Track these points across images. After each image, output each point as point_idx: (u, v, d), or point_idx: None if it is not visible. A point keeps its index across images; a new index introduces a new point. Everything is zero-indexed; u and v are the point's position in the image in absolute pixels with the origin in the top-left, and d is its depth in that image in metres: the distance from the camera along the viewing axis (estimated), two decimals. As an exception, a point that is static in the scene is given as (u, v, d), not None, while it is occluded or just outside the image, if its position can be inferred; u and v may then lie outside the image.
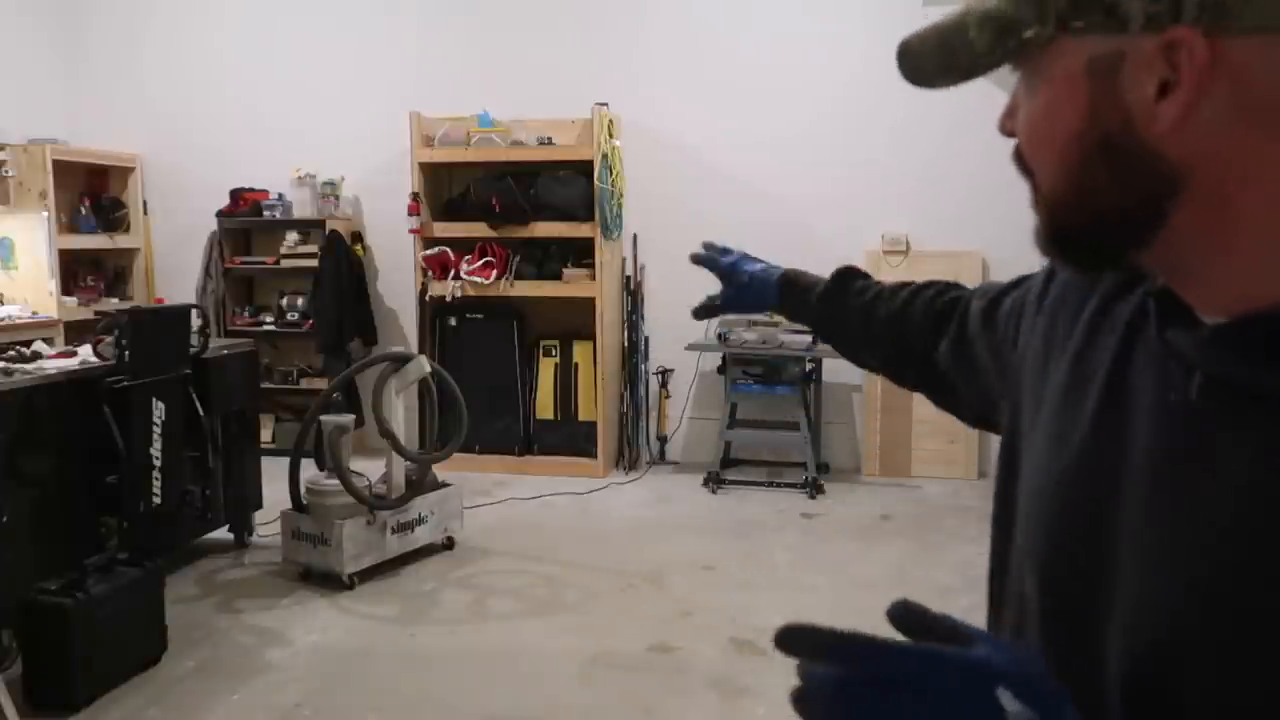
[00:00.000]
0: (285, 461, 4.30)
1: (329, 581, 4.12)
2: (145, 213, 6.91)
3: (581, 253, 5.96)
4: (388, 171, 6.32)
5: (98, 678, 3.16)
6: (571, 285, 5.95)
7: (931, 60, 0.66)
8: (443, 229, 6.08)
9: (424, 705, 3.22)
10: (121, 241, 6.78)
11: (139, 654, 3.35)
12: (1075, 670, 0.65)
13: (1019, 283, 0.91)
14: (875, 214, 5.93)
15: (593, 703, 3.24)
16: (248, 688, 3.29)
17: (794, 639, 0.54)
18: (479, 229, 5.97)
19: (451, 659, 3.53)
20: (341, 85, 6.53)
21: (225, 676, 3.37)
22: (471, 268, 5.98)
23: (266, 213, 6.53)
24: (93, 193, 6.73)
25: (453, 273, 6.00)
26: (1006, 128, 0.68)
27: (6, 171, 6.05)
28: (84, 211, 6.58)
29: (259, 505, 4.74)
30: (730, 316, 5.59)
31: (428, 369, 4.45)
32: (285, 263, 6.53)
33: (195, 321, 4.30)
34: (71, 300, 6.33)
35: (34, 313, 5.89)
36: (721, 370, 5.90)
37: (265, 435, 5.64)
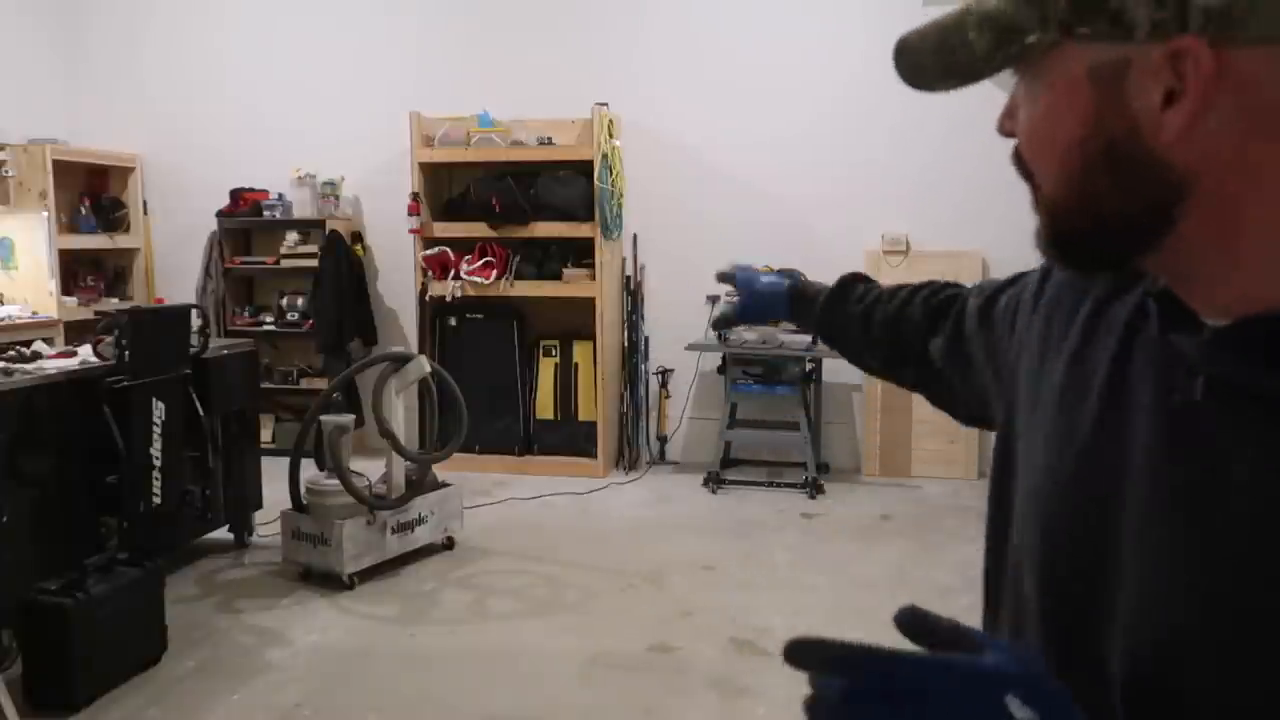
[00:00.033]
0: (285, 461, 4.30)
1: (329, 581, 4.12)
2: (145, 213, 6.92)
3: (581, 253, 5.96)
4: (388, 171, 6.32)
5: (98, 678, 3.16)
6: (571, 285, 5.95)
7: (930, 59, 0.66)
8: (443, 229, 6.08)
9: (424, 705, 3.22)
10: (121, 241, 6.78)
11: (139, 654, 3.35)
12: (1076, 670, 0.65)
13: (1015, 280, 0.91)
14: (875, 214, 5.93)
15: (593, 703, 3.24)
16: (248, 688, 3.29)
17: (802, 652, 0.54)
18: (479, 229, 5.98)
19: (451, 659, 3.53)
20: (341, 85, 6.53)
21: (225, 676, 3.37)
22: (471, 268, 5.98)
23: (266, 213, 6.53)
24: (93, 193, 6.73)
25: (453, 273, 6.00)
26: (1005, 129, 0.68)
27: (6, 171, 6.06)
28: (84, 211, 6.58)
29: (259, 505, 4.74)
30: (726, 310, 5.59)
31: (428, 369, 4.45)
32: (285, 263, 6.53)
33: (195, 321, 4.30)
34: (71, 300, 6.33)
35: (34, 313, 5.89)
36: (721, 370, 5.90)
37: (265, 435, 5.64)
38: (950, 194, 5.80)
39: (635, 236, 6.28)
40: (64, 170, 6.27)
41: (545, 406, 6.22)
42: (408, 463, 4.41)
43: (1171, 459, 0.63)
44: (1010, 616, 0.77)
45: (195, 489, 4.17)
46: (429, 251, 6.02)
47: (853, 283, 1.25)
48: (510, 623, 3.91)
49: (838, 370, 5.89)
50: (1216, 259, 0.60)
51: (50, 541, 3.57)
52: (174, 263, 6.85)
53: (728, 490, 5.69)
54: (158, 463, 3.89)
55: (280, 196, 6.54)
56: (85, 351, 4.12)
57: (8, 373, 3.65)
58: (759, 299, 1.35)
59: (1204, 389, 0.61)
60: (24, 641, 3.13)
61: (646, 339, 6.32)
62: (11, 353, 4.00)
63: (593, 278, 5.91)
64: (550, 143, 5.95)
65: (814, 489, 5.55)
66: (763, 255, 5.79)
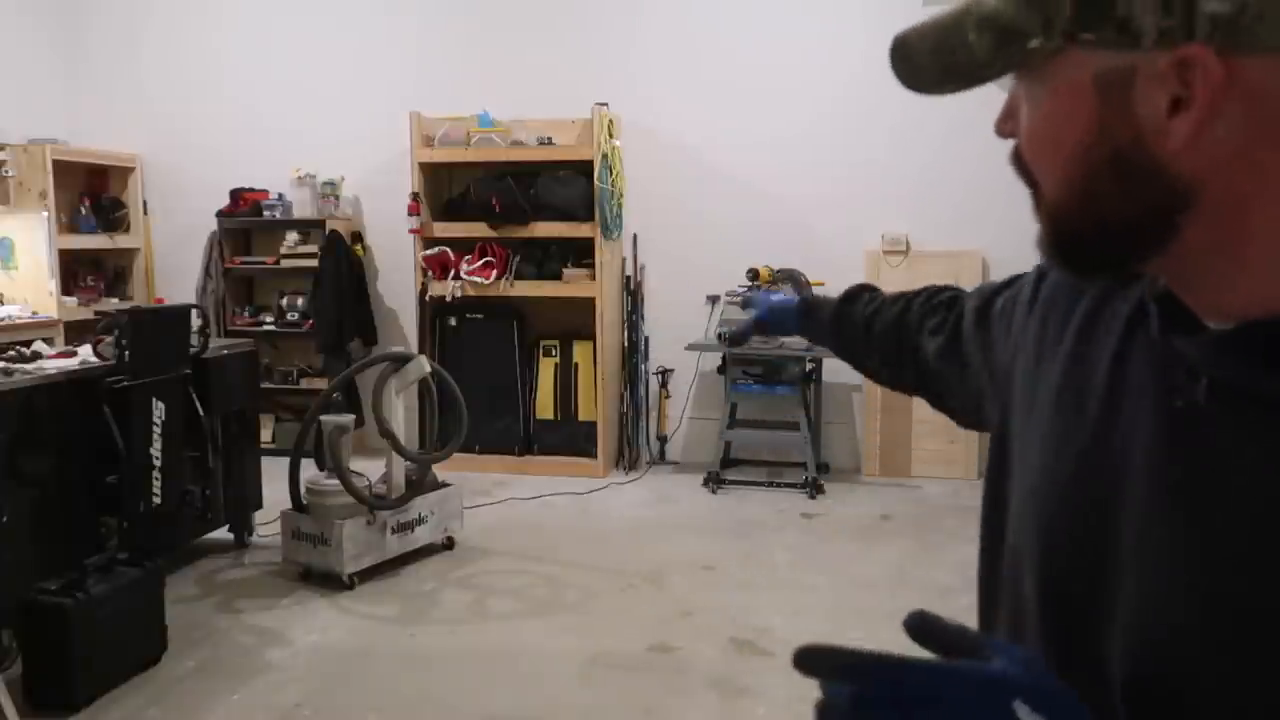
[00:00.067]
0: (285, 461, 4.30)
1: (329, 581, 4.12)
2: (145, 213, 6.92)
3: (581, 253, 5.97)
4: (388, 171, 6.32)
5: (98, 678, 3.16)
6: (571, 285, 5.95)
7: (928, 58, 0.65)
8: (443, 229, 6.08)
9: (424, 705, 3.22)
10: (121, 241, 6.78)
11: (139, 654, 3.35)
12: (1076, 670, 0.65)
13: (1011, 282, 0.91)
14: (875, 214, 5.93)
15: (593, 703, 3.24)
16: (248, 688, 3.29)
17: (812, 659, 0.54)
18: (479, 229, 5.98)
19: (451, 659, 3.53)
20: (341, 85, 6.53)
21: (225, 676, 3.37)
22: (471, 268, 5.98)
23: (266, 213, 6.53)
24: (93, 193, 6.73)
25: (453, 273, 6.00)
26: (1004, 130, 0.67)
27: (6, 171, 6.06)
28: (84, 211, 6.58)
29: (259, 505, 4.74)
30: (731, 317, 5.60)
31: (428, 369, 4.46)
32: (285, 263, 6.53)
33: (195, 321, 4.30)
34: (71, 300, 6.33)
35: (34, 313, 5.89)
36: (721, 370, 5.91)
37: (265, 435, 5.64)
38: (950, 194, 5.80)
39: (635, 236, 6.28)
40: (64, 170, 6.28)
41: (545, 406, 6.22)
42: (408, 463, 4.42)
43: (1171, 459, 0.63)
44: (1007, 616, 0.77)
45: (195, 489, 4.17)
46: (429, 251, 6.02)
47: (858, 293, 1.26)
48: (510, 623, 3.91)
49: (838, 370, 5.89)
50: (1220, 264, 0.60)
51: (50, 541, 3.57)
52: (174, 263, 6.85)
53: (728, 490, 5.69)
54: (158, 463, 3.89)
55: (280, 196, 6.54)
56: (85, 351, 4.12)
57: (8, 373, 3.65)
58: (772, 314, 1.38)
59: (1206, 392, 0.61)
60: (24, 641, 3.14)
61: (646, 339, 6.32)
62: (11, 353, 4.00)
63: (593, 278, 5.91)
64: (550, 143, 5.95)
65: (814, 489, 5.55)
66: (763, 255, 5.84)
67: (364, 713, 3.15)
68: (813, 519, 5.20)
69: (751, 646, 3.57)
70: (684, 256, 6.16)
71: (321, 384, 6.01)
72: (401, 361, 4.41)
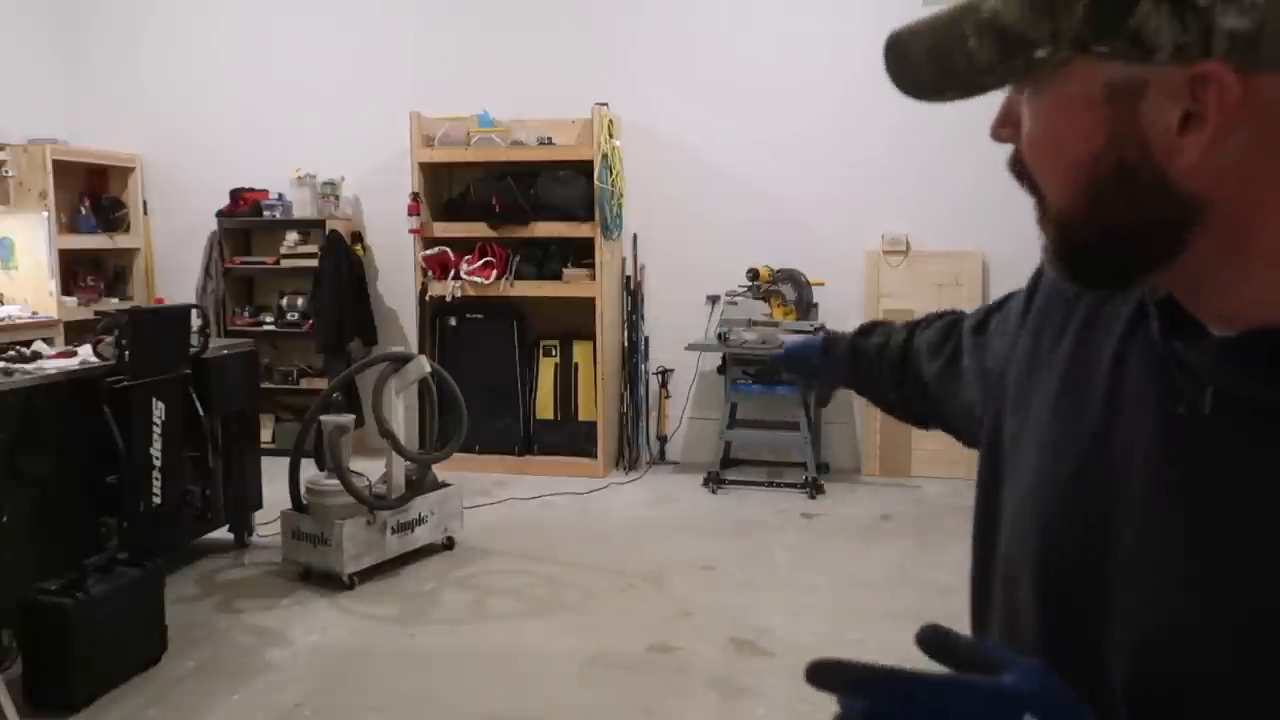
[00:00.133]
0: (285, 461, 4.30)
1: (329, 581, 4.12)
2: (145, 213, 6.92)
3: (581, 253, 5.96)
4: (387, 171, 6.32)
5: (98, 678, 3.16)
6: (571, 285, 5.95)
7: (924, 59, 0.62)
8: (443, 229, 6.08)
9: (424, 705, 3.22)
10: (121, 241, 6.78)
11: (139, 654, 3.35)
12: (1076, 672, 0.65)
13: (1005, 301, 0.92)
14: (875, 214, 5.93)
15: (593, 703, 3.24)
16: (248, 688, 3.29)
17: (825, 673, 0.55)
18: (479, 229, 5.98)
19: (451, 659, 3.53)
20: (340, 85, 6.53)
21: (225, 676, 3.37)
22: (471, 268, 5.98)
23: (266, 213, 6.53)
24: (93, 193, 6.73)
25: (453, 273, 6.00)
26: (1001, 136, 0.66)
27: (6, 171, 6.06)
28: (84, 211, 6.58)
29: (259, 505, 4.74)
30: (729, 316, 5.58)
31: (428, 369, 4.46)
32: (285, 263, 6.53)
33: (195, 321, 4.30)
34: (71, 300, 6.33)
35: (34, 313, 5.89)
36: (721, 370, 5.90)
37: (265, 435, 5.64)
38: (950, 194, 5.80)
39: (635, 236, 6.28)
40: (64, 170, 6.28)
41: (545, 406, 6.22)
42: (408, 463, 4.42)
43: (1171, 461, 0.63)
44: (1001, 618, 0.77)
45: (195, 489, 4.17)
46: (429, 251, 6.02)
47: (871, 328, 1.27)
48: (510, 623, 3.91)
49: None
50: (1226, 273, 0.60)
51: (50, 541, 3.57)
52: (174, 263, 6.85)
53: (728, 490, 5.69)
54: (158, 463, 3.89)
55: (280, 196, 6.54)
56: (85, 351, 4.12)
57: (8, 373, 3.65)
58: (797, 347, 1.38)
59: (1212, 400, 0.61)
60: (24, 641, 3.13)
61: (646, 339, 6.32)
62: (11, 353, 4.00)
63: (593, 278, 5.91)
64: (550, 143, 5.95)
65: (814, 489, 5.55)
66: (763, 255, 5.85)
67: (364, 713, 3.15)
68: (813, 519, 5.20)
69: (751, 646, 3.57)
70: (684, 256, 6.16)
71: (321, 384, 6.01)
72: (401, 361, 4.41)
